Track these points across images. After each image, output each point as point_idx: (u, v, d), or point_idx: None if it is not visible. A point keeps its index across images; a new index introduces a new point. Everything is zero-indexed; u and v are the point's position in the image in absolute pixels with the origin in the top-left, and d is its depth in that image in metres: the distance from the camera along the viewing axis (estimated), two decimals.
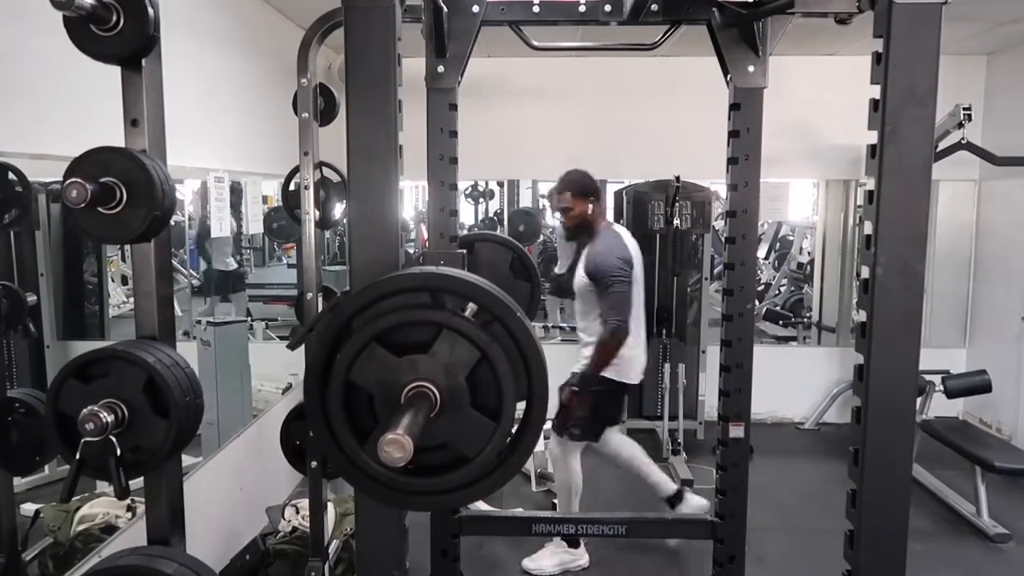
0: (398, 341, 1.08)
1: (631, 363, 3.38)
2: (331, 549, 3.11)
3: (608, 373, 3.26)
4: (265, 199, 4.83)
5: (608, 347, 3.16)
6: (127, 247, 1.47)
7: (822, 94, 5.26)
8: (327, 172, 2.63)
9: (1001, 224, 5.31)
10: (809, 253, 7.57)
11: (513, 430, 1.12)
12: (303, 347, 2.10)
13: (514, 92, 5.52)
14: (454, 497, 1.14)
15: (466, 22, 2.27)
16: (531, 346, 1.08)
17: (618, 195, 5.77)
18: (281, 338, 5.59)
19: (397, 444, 0.92)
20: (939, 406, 4.61)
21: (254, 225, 4.20)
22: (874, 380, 1.27)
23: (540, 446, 4.11)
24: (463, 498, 1.16)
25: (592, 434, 3.46)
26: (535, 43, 2.41)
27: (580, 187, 3.27)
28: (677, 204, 4.99)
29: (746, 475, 2.44)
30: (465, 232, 7.74)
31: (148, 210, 1.27)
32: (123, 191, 1.27)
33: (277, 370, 4.41)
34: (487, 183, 7.60)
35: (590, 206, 3.27)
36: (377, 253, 1.22)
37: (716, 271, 5.83)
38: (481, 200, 7.88)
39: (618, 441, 3.62)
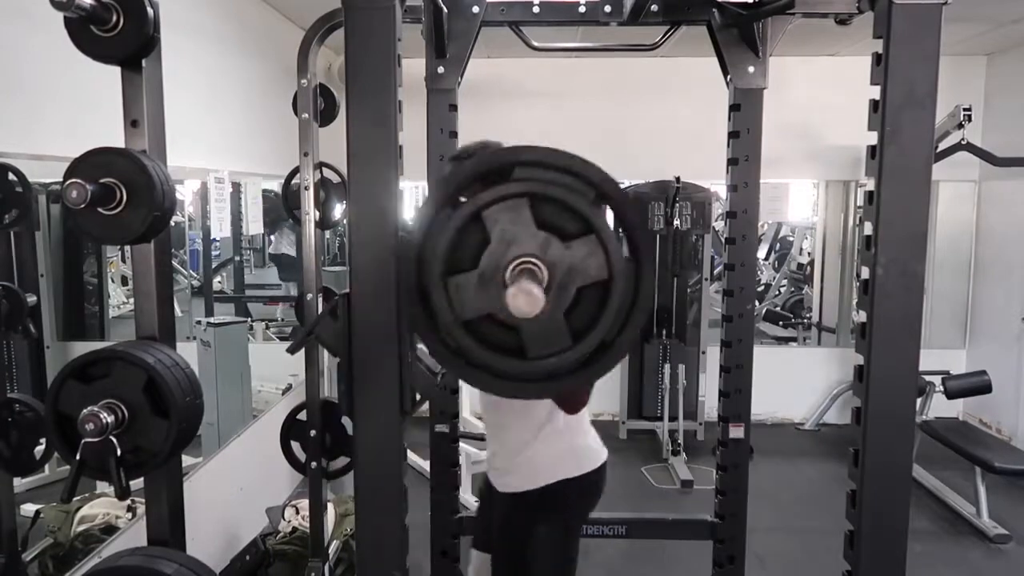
0: (541, 215, 1.03)
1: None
2: (331, 549, 3.11)
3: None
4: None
5: None
6: (127, 247, 1.48)
7: (822, 95, 5.26)
8: (327, 172, 2.64)
9: (1001, 225, 5.31)
10: (809, 254, 7.58)
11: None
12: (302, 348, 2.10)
13: (514, 92, 5.52)
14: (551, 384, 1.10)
15: (466, 23, 2.27)
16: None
17: None
18: (281, 339, 5.61)
19: (527, 295, 0.88)
20: (939, 407, 4.61)
21: (254, 226, 4.20)
22: (874, 381, 1.27)
23: None
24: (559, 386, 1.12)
25: None
26: (535, 43, 2.41)
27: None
28: (677, 205, 5.00)
29: (746, 476, 2.43)
30: None
31: (148, 210, 1.27)
32: (123, 192, 1.27)
33: (277, 371, 4.41)
34: None
35: None
36: (377, 253, 1.22)
37: (716, 272, 5.84)
38: None
39: None
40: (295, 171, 2.61)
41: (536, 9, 2.28)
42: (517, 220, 1.02)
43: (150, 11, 1.29)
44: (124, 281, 4.19)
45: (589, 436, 2.06)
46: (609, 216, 1.06)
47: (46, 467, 2.46)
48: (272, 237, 6.25)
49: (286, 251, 6.43)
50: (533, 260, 1.01)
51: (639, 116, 5.46)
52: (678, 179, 4.92)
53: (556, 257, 1.02)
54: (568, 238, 1.03)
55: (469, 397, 4.95)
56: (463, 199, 1.07)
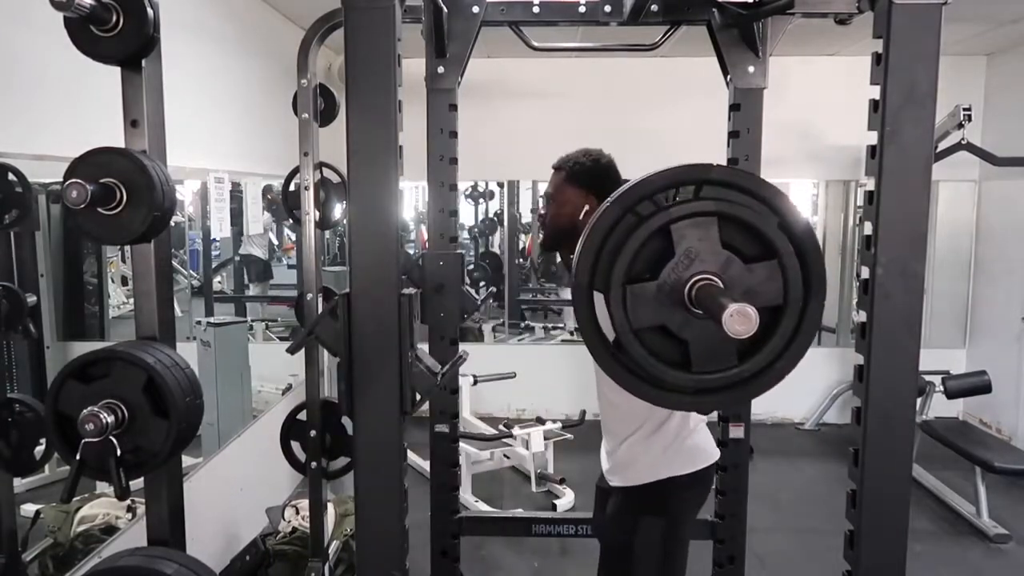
0: (726, 234, 1.06)
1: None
2: (331, 549, 3.11)
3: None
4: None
5: None
6: (127, 248, 1.48)
7: (822, 94, 5.26)
8: (327, 172, 2.64)
9: (1001, 224, 5.31)
10: None
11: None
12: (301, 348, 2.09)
13: (514, 92, 5.52)
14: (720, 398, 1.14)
15: (466, 23, 2.27)
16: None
17: None
18: (281, 339, 5.60)
19: (745, 317, 0.91)
20: (939, 406, 4.61)
21: (254, 226, 4.20)
22: (874, 380, 1.27)
23: (539, 446, 4.11)
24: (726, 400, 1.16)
25: None
26: (535, 43, 2.41)
27: (579, 172, 2.06)
28: None
29: (746, 475, 2.43)
30: (466, 231, 7.79)
31: (148, 210, 1.28)
32: (123, 192, 1.27)
33: (277, 371, 4.41)
34: (487, 183, 7.61)
35: (586, 207, 2.02)
36: (377, 253, 1.22)
37: None
38: (481, 200, 7.89)
39: None
40: (295, 171, 2.61)
41: (536, 9, 2.28)
42: (704, 237, 1.05)
43: (150, 11, 1.29)
44: (124, 281, 4.19)
45: (699, 436, 2.07)
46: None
47: (46, 467, 2.46)
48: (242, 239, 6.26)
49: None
50: (714, 278, 1.03)
51: (639, 116, 5.46)
52: None
53: (736, 278, 1.04)
54: (748, 260, 1.05)
55: (470, 398, 4.96)
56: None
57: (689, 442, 2.03)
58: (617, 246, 1.07)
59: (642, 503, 2.03)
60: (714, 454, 2.10)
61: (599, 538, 2.30)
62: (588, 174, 2.05)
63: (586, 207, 2.02)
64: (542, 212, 2.17)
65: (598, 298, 1.14)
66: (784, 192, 1.09)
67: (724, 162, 2.35)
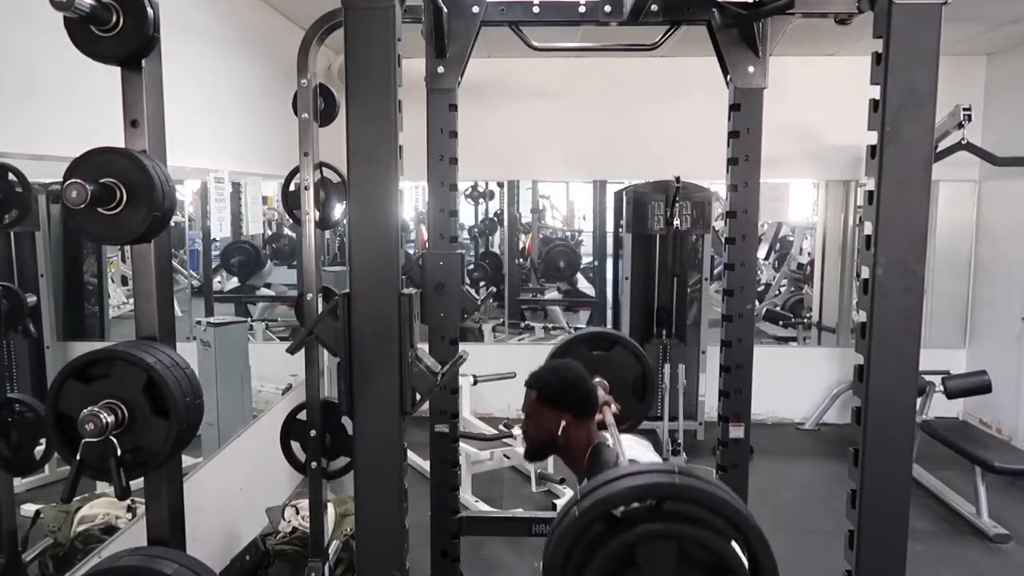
0: (686, 548, 1.14)
1: None
2: (331, 549, 3.11)
3: None
4: (265, 200, 4.84)
5: None
6: (127, 248, 1.48)
7: (822, 94, 5.26)
8: (327, 172, 2.63)
9: (1001, 224, 5.31)
10: (809, 253, 7.57)
11: None
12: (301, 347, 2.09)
13: (514, 92, 5.52)
14: None
15: (466, 23, 2.27)
16: None
17: (618, 195, 5.78)
18: (281, 339, 5.61)
19: None
20: (939, 406, 4.61)
21: (254, 226, 4.20)
22: (874, 380, 1.27)
23: None
24: None
25: None
26: (535, 43, 2.41)
27: (550, 393, 2.07)
28: (677, 204, 5.00)
29: (746, 475, 2.43)
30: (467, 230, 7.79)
31: (148, 210, 1.28)
32: (123, 192, 1.27)
33: (277, 371, 4.41)
34: (487, 183, 7.61)
35: (563, 423, 2.04)
36: (377, 253, 1.22)
37: (716, 272, 5.83)
38: (481, 200, 7.89)
39: None
40: (295, 171, 2.61)
41: (536, 9, 2.28)
42: (665, 557, 1.14)
43: (150, 11, 1.30)
44: (124, 281, 4.19)
45: None
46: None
47: (46, 467, 2.46)
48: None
49: None
50: None
51: (639, 116, 5.46)
52: (678, 179, 4.92)
53: None
54: (706, 569, 1.14)
55: (470, 398, 4.96)
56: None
57: None
58: (585, 554, 1.16)
59: None
60: None
61: None
62: (559, 397, 2.07)
63: (562, 423, 2.05)
64: (523, 429, 2.20)
65: None
66: (744, 510, 1.16)
67: (724, 162, 2.35)
